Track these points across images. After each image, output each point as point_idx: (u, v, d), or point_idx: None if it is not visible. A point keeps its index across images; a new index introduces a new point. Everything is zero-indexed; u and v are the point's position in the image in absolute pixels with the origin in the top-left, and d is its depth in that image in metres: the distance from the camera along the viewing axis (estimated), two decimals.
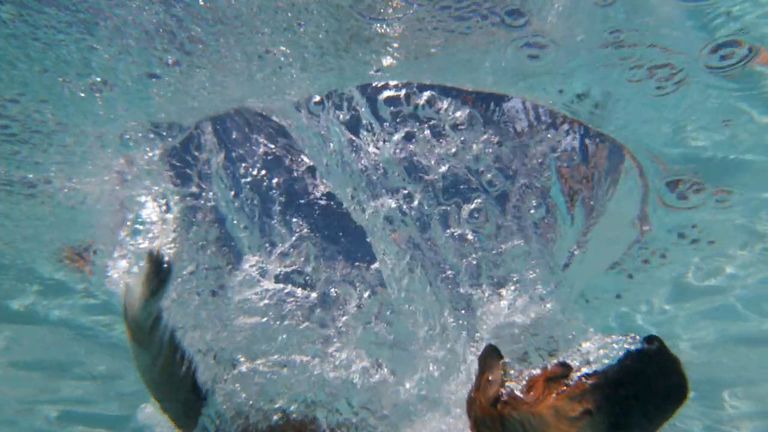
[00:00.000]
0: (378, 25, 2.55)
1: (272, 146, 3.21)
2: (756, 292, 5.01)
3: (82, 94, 2.88)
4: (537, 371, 2.09)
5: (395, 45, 2.68)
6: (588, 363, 1.94)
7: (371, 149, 2.98)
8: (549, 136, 3.14)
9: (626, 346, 1.89)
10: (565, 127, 3.16)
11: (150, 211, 3.30)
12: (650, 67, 2.71)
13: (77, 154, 3.31)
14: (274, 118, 3.13)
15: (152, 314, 2.40)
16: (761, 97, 2.88)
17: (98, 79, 2.80)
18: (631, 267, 4.44)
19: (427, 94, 2.91)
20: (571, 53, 2.67)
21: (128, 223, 3.38)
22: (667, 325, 5.72)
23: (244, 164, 3.24)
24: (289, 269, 3.16)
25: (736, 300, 5.22)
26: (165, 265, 2.36)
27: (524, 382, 2.07)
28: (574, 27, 2.54)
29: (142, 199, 3.31)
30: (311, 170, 3.28)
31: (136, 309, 2.36)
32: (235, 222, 3.20)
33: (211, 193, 3.28)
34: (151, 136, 3.13)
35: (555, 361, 2.07)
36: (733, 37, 2.52)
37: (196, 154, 3.24)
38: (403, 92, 2.91)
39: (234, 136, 3.21)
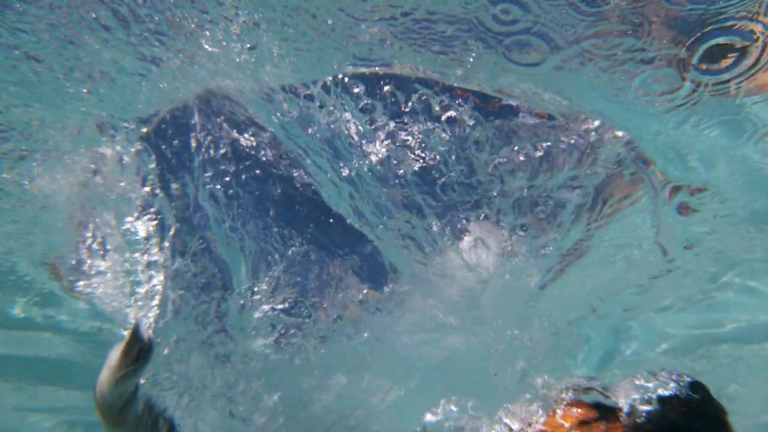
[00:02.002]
0: (362, 25, 2.44)
1: (255, 140, 2.99)
2: (749, 294, 4.81)
3: (71, 90, 2.75)
4: (568, 409, 1.87)
5: (384, 41, 2.54)
6: (621, 407, 1.72)
7: (362, 151, 2.77)
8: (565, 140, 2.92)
9: (667, 391, 1.68)
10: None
11: (130, 211, 3.10)
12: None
13: (59, 151, 3.16)
14: (252, 113, 2.93)
15: (124, 394, 2.09)
16: None
17: (80, 71, 2.67)
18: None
19: (422, 90, 2.69)
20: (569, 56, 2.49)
21: (98, 220, 3.18)
22: (659, 328, 5.58)
23: (224, 162, 3.02)
24: (289, 298, 2.97)
25: (730, 301, 5.01)
26: (147, 342, 2.02)
27: (551, 413, 1.86)
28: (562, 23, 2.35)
29: (119, 198, 3.13)
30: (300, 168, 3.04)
31: (105, 388, 2.04)
32: (225, 233, 3.01)
33: (191, 190, 3.06)
34: (132, 127, 2.96)
35: (589, 399, 1.85)
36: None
37: (174, 148, 3.04)
38: (395, 88, 2.68)
39: (214, 130, 3.00)
